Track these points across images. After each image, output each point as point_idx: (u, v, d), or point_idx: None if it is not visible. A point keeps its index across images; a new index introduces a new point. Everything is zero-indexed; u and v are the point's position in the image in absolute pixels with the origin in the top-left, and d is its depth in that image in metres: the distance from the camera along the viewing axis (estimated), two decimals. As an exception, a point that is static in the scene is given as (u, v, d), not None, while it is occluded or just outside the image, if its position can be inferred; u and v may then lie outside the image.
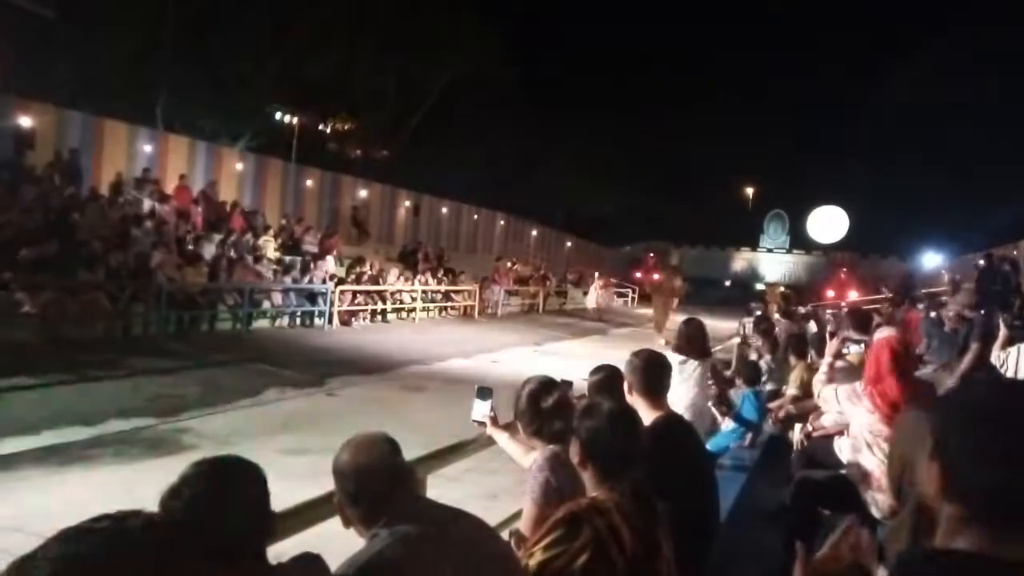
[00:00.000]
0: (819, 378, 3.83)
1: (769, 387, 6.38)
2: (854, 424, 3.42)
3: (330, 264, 15.85)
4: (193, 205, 15.34)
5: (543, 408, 2.47)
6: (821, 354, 5.68)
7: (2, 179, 12.08)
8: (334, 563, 1.99)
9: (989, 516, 0.96)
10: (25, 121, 13.80)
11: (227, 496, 1.39)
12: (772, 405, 6.02)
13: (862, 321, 6.24)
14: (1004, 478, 0.95)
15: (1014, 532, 0.95)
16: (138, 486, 4.43)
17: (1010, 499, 0.95)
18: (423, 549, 1.49)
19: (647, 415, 2.62)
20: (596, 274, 27.32)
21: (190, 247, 12.96)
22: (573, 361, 12.04)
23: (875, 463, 3.18)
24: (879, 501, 3.07)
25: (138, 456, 5.58)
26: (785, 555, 3.22)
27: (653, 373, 2.77)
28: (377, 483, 1.61)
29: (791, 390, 6.12)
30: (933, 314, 8.45)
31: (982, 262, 13.95)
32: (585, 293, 29.29)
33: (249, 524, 1.42)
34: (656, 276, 20.23)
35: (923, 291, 15.11)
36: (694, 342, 4.39)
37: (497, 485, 5.03)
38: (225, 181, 18.19)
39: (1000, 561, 0.93)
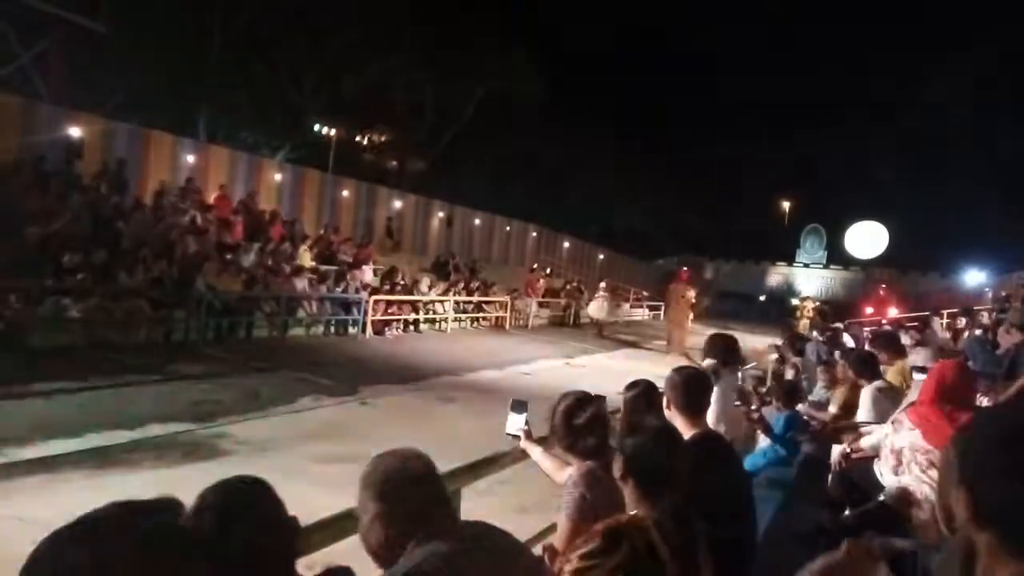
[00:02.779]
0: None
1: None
2: (898, 444, 3.35)
3: (367, 274, 16.05)
4: (234, 215, 15.67)
5: (577, 424, 2.46)
6: (859, 374, 5.57)
7: (52, 188, 12.49)
8: (368, 571, 2.00)
9: (1015, 542, 0.90)
10: (75, 131, 14.26)
11: (250, 514, 1.41)
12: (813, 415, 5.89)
13: (890, 343, 6.11)
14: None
15: None
16: (176, 490, 4.50)
17: None
18: (459, 565, 1.49)
19: (685, 432, 2.58)
20: (603, 283, 24.50)
21: (229, 256, 13.22)
22: (606, 374, 11.97)
23: (918, 483, 3.11)
24: (922, 522, 2.99)
25: (177, 460, 5.68)
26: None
27: (693, 390, 2.75)
28: (413, 502, 1.60)
29: (832, 408, 5.99)
30: (979, 332, 8.21)
31: (1028, 281, 13.54)
32: (617, 306, 29.15)
33: (275, 540, 1.43)
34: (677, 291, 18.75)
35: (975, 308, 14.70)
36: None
37: (528, 499, 5.01)
38: (264, 191, 18.55)
39: None
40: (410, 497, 1.60)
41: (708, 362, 4.36)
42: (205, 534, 1.36)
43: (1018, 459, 0.91)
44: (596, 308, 21.28)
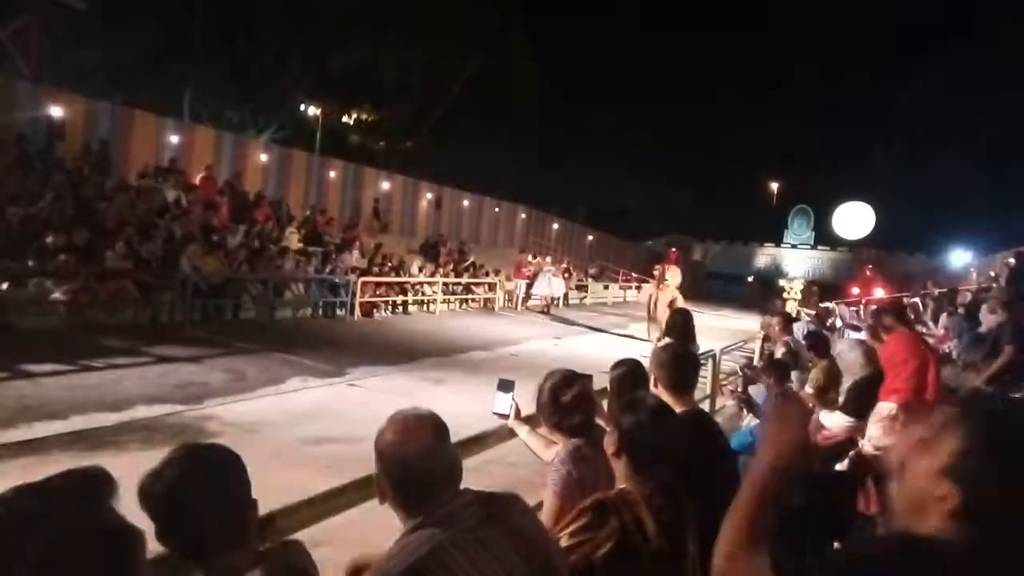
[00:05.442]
0: None
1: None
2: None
3: (355, 256, 15.98)
4: (219, 196, 15.52)
5: (563, 402, 2.46)
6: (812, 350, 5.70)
7: (34, 168, 12.30)
8: (354, 549, 2.00)
9: (1002, 541, 0.98)
10: (56, 112, 14.03)
11: (209, 483, 1.38)
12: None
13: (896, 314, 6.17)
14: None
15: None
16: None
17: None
18: (455, 560, 1.43)
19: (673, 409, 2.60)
20: (547, 258, 22.98)
21: (215, 237, 13.11)
22: (592, 355, 12.02)
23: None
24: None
25: (164, 442, 5.65)
26: (804, 557, 3.17)
27: (681, 367, 2.76)
28: (421, 475, 1.51)
29: (808, 389, 6.05)
30: (963, 311, 8.30)
31: (1012, 260, 13.64)
32: (606, 287, 29.21)
33: (230, 510, 1.40)
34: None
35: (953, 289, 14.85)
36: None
37: (517, 477, 5.03)
38: (250, 172, 18.37)
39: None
40: (411, 470, 1.51)
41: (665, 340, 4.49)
42: (156, 503, 1.35)
43: (1013, 469, 0.99)
44: (548, 284, 20.83)
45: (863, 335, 7.01)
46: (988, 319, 6.56)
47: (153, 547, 1.38)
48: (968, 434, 1.04)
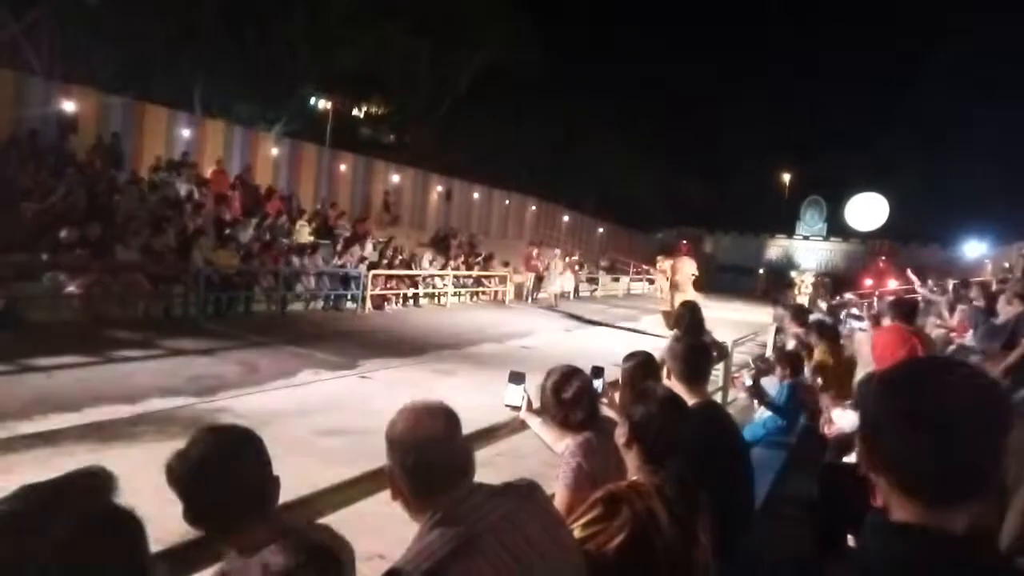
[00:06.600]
0: None
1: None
2: None
3: (368, 248, 16.03)
4: (231, 190, 15.58)
5: (565, 398, 2.47)
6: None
7: (47, 163, 12.39)
8: (367, 539, 2.00)
9: (905, 487, 0.98)
10: (68, 106, 14.11)
11: (232, 460, 1.44)
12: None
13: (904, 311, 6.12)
14: (909, 447, 0.96)
15: (942, 503, 0.96)
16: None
17: (916, 469, 0.96)
18: (477, 566, 1.40)
19: (686, 401, 2.59)
20: (557, 251, 22.07)
21: (227, 231, 13.17)
22: (604, 347, 12.00)
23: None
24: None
25: (178, 434, 5.69)
26: (817, 549, 3.15)
27: (694, 359, 2.75)
28: (435, 461, 1.48)
29: (820, 381, 6.01)
30: (981, 303, 8.20)
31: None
32: (617, 280, 29.12)
33: (254, 486, 1.44)
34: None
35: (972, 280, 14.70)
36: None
37: (527, 470, 5.02)
38: (261, 166, 18.43)
39: (931, 530, 0.96)
40: (425, 456, 1.48)
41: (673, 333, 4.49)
42: (183, 482, 1.41)
43: (901, 408, 0.98)
44: (558, 279, 20.42)
45: (865, 324, 6.98)
46: (1005, 310, 6.47)
47: (179, 526, 1.43)
48: (864, 391, 1.07)
